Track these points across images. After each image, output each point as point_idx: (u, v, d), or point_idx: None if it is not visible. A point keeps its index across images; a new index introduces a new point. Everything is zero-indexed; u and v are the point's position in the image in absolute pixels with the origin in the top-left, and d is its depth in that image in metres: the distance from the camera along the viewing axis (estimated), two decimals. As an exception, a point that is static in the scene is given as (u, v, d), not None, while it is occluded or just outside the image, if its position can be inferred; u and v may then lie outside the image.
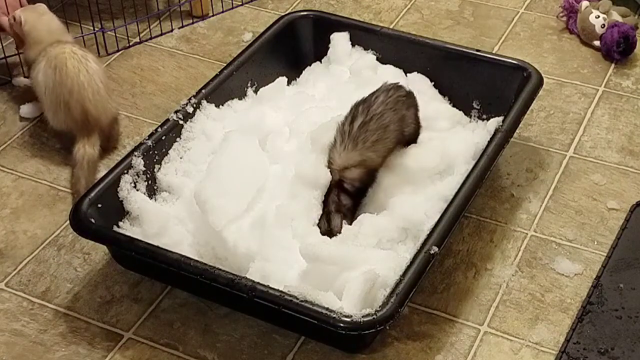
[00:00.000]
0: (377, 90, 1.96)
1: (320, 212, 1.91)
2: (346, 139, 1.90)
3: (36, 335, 1.82)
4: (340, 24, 2.31)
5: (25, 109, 2.32)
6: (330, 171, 1.91)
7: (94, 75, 2.12)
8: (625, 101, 2.33)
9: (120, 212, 1.91)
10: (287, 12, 2.54)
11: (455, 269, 1.92)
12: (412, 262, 1.72)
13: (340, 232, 1.86)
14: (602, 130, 2.24)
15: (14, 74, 2.43)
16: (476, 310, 1.84)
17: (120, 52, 2.52)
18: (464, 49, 2.23)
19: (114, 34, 2.54)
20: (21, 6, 2.31)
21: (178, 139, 2.05)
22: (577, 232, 1.99)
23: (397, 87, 1.98)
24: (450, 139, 2.04)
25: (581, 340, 1.77)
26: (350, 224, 1.89)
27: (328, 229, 1.87)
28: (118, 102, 2.30)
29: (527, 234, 1.99)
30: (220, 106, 2.15)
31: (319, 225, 1.88)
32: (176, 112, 2.07)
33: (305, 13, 2.35)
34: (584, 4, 2.49)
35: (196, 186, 1.91)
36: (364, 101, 1.94)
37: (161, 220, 1.90)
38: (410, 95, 1.99)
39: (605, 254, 1.93)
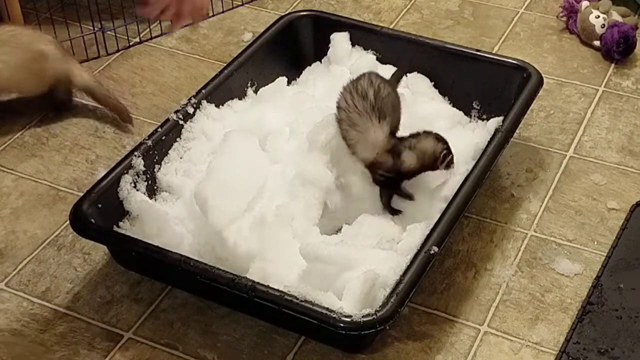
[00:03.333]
0: (361, 76, 1.96)
1: (321, 211, 1.92)
2: (373, 114, 1.88)
3: (36, 335, 1.82)
4: (340, 24, 2.31)
5: None
6: (369, 159, 1.90)
7: None
8: (625, 101, 2.33)
9: (120, 212, 1.92)
10: (287, 12, 2.54)
11: (455, 269, 1.92)
12: (412, 262, 1.72)
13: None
14: (602, 130, 2.24)
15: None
16: (476, 310, 1.84)
17: (120, 52, 2.52)
18: (464, 49, 2.23)
19: (114, 34, 2.54)
20: None
21: (178, 139, 2.05)
22: (577, 232, 1.99)
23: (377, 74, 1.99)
24: (450, 139, 2.03)
25: (581, 340, 1.77)
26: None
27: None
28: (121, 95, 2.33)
29: (527, 234, 1.99)
30: (220, 106, 2.15)
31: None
32: (176, 112, 2.07)
33: (305, 13, 2.35)
34: (584, 4, 2.49)
35: (196, 186, 1.91)
36: (358, 79, 1.93)
37: (161, 220, 1.90)
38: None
39: (605, 254, 1.93)
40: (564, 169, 2.14)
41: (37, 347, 1.79)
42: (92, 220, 1.83)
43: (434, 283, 1.89)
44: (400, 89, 2.09)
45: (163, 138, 2.02)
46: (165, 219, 1.91)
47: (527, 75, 2.11)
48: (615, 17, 2.49)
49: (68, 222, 1.92)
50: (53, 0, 2.67)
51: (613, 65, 2.44)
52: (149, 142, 1.99)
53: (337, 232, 1.93)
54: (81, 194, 1.90)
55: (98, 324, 1.83)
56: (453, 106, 2.19)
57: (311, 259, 1.77)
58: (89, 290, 1.90)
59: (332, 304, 1.66)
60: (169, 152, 2.03)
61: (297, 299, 1.65)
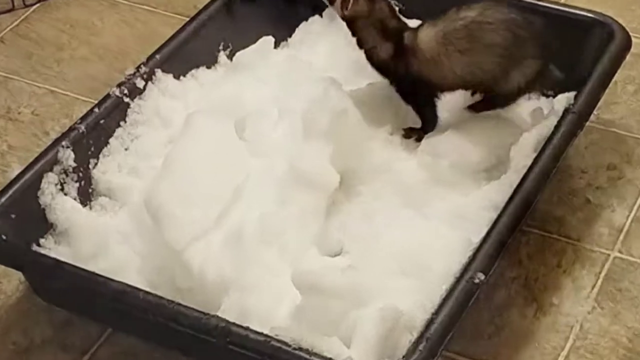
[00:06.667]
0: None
1: (321, 223, 1.92)
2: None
3: None
4: (348, -38, 2.31)
5: None
6: None
7: None
8: None
9: (42, 224, 1.92)
10: (273, -54, 2.54)
11: (508, 304, 1.92)
12: (448, 295, 1.71)
13: None
14: None
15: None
16: (538, 361, 1.84)
17: (41, 2, 2.52)
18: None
19: (32, -24, 2.54)
20: None
21: (122, 123, 2.06)
22: (678, 252, 2.00)
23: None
24: (502, 122, 2.04)
25: (683, 404, 1.77)
26: None
27: None
28: (39, 71, 2.32)
29: (609, 255, 2.00)
30: (181, 77, 2.16)
31: None
32: (119, 85, 2.07)
33: (298, -53, 2.36)
34: None
35: (147, 189, 1.91)
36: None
37: (98, 237, 1.90)
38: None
39: None
40: (660, 164, 2.15)
41: None
42: (3, 237, 1.83)
43: (480, 324, 1.89)
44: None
45: (101, 122, 2.03)
46: (104, 235, 1.91)
47: (608, 33, 2.12)
48: None
49: (-33, 238, 1.92)
50: None
51: None
52: (82, 128, 1.99)
53: (343, 252, 1.93)
54: (-13, 200, 1.90)
55: (10, 382, 1.84)
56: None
57: (307, 290, 1.77)
58: (-3, 333, 1.90)
59: (337, 353, 1.66)
60: (110, 141, 2.04)
61: (289, 346, 1.65)
